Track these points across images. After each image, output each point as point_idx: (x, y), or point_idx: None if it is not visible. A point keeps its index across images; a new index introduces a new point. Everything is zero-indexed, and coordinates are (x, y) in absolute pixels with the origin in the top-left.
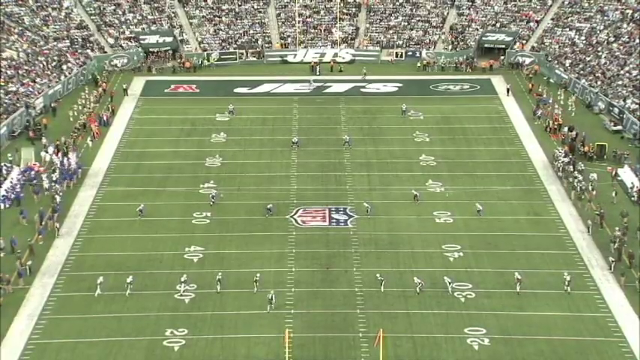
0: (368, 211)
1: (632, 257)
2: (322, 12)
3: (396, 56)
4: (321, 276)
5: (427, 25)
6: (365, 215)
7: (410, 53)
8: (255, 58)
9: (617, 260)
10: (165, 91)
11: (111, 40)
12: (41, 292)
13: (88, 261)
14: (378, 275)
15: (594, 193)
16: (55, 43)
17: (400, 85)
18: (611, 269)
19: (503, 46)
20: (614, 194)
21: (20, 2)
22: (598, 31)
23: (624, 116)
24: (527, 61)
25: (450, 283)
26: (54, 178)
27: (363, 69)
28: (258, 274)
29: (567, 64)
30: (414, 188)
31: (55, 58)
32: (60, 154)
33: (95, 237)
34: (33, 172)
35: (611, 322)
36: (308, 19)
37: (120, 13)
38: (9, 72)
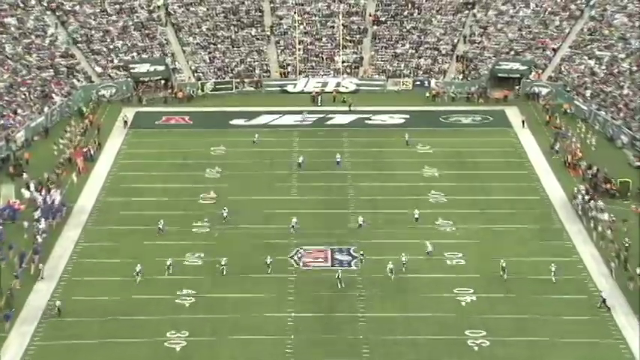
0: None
1: None
2: (324, 39)
3: (403, 86)
4: (324, 321)
5: (436, 53)
6: (369, 257)
7: (418, 83)
8: (252, 88)
9: None
10: (157, 122)
11: (98, 69)
12: (20, 342)
13: (70, 306)
14: (360, 253)
15: (609, 232)
16: (38, 72)
17: (407, 116)
18: (637, 315)
19: (518, 76)
20: (626, 237)
21: (2, 29)
22: (619, 60)
23: None
24: (544, 91)
25: (429, 252)
26: (35, 217)
27: (349, 99)
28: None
29: (587, 95)
30: (422, 227)
31: (39, 88)
32: (42, 191)
33: (79, 280)
34: (12, 211)
35: None
36: (309, 47)
37: (108, 40)
38: None
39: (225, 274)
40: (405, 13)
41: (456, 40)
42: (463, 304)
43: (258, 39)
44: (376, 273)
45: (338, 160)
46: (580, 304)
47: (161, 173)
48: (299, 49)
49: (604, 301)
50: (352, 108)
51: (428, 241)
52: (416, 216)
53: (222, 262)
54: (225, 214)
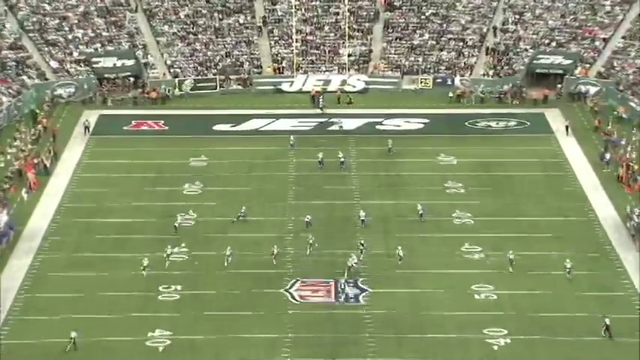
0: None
1: None
2: (327, 28)
3: (422, 84)
4: None
5: (462, 44)
6: (380, 290)
7: (439, 80)
8: (240, 87)
9: None
10: (125, 128)
11: (54, 64)
12: None
13: (18, 351)
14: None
15: None
16: None
17: (427, 120)
18: None
19: (561, 72)
20: None
21: None
22: None
23: None
24: (592, 90)
25: (352, 266)
26: None
27: (321, 99)
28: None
29: None
30: (444, 252)
31: None
32: None
33: (30, 319)
34: None
35: None
36: (308, 38)
37: (66, 29)
38: None
39: (230, 262)
40: None
41: (485, 30)
42: (495, 347)
43: (247, 28)
44: (390, 309)
45: (342, 159)
46: (634, 348)
47: (130, 189)
48: (296, 41)
49: (607, 327)
50: (324, 110)
51: (353, 253)
52: (420, 212)
53: (227, 253)
54: (240, 214)
